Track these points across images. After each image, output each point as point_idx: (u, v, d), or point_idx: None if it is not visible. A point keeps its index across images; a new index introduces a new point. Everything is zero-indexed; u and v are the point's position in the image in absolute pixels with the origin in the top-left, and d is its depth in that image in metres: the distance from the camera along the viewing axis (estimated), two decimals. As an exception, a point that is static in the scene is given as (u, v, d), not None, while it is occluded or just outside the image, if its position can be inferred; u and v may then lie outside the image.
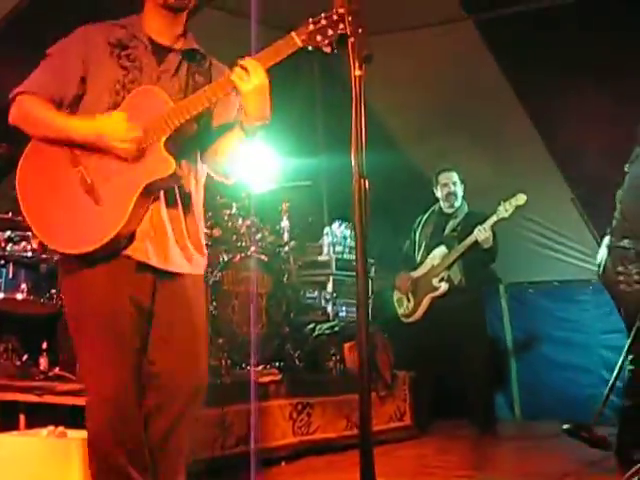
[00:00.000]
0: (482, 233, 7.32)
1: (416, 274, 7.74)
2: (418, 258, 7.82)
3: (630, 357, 5.80)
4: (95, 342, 3.14)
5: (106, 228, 3.07)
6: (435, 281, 7.60)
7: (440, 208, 7.88)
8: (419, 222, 7.99)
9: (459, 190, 7.79)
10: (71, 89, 3.24)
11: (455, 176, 7.77)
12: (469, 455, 6.80)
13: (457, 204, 7.79)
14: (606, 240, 6.02)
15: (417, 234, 7.94)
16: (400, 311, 7.83)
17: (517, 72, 7.74)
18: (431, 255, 7.70)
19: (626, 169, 5.99)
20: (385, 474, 5.48)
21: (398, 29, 7.47)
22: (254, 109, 3.12)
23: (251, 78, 3.03)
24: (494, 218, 7.31)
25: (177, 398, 3.21)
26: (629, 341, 5.79)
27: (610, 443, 5.58)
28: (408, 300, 7.76)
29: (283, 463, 5.95)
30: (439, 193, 7.83)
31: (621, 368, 5.83)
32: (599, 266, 6.06)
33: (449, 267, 7.59)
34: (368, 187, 2.55)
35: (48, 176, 3.18)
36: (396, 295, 7.87)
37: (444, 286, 7.58)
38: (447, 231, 7.77)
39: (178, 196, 3.26)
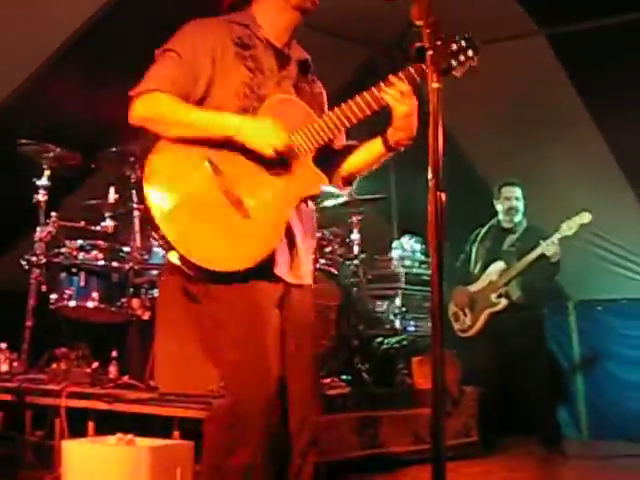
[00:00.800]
0: (551, 247, 6.95)
1: (473, 289, 7.41)
2: (475, 272, 7.50)
3: None
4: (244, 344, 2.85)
5: (261, 245, 2.84)
6: (494, 296, 7.23)
7: (499, 222, 7.57)
8: (476, 236, 7.69)
9: (520, 205, 7.45)
10: (199, 90, 2.93)
11: (518, 191, 7.44)
12: (535, 473, 6.54)
13: (517, 219, 7.46)
14: None
15: (474, 248, 7.64)
16: (457, 326, 7.48)
17: (589, 87, 7.55)
18: (488, 270, 7.37)
19: None
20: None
21: (483, 42, 7.25)
22: (408, 129, 2.99)
23: (406, 99, 2.90)
24: (557, 235, 6.95)
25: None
26: None
27: None
28: (465, 315, 7.40)
29: (350, 476, 5.64)
30: (500, 206, 7.52)
31: None
32: None
33: (508, 283, 7.24)
34: (445, 200, 2.36)
35: (186, 184, 2.83)
36: (452, 309, 7.52)
37: (503, 302, 7.22)
38: (505, 246, 7.44)
39: (303, 211, 3.08)
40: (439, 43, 2.48)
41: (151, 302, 6.00)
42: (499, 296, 7.21)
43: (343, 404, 5.92)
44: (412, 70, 2.88)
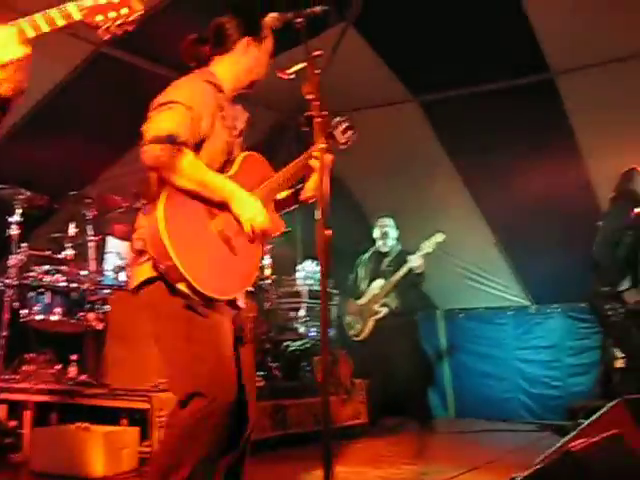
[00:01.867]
0: (416, 260, 7.43)
1: (361, 302, 7.84)
2: (362, 288, 7.89)
3: None
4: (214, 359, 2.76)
5: (245, 277, 2.93)
6: (377, 307, 7.69)
7: (378, 249, 7.96)
8: (360, 260, 8.08)
9: (392, 232, 7.89)
10: (195, 143, 2.81)
11: (390, 221, 7.89)
12: (413, 447, 6.79)
13: (390, 244, 7.89)
14: (595, 279, 6.22)
15: (360, 269, 8.02)
16: (351, 332, 7.90)
17: (451, 139, 7.85)
18: (371, 286, 7.79)
19: (600, 224, 6.21)
20: (346, 463, 5.59)
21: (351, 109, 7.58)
22: (317, 189, 2.93)
23: (327, 167, 2.94)
24: (419, 252, 7.44)
25: None
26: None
27: None
28: (357, 323, 7.82)
29: (264, 453, 5.81)
30: (376, 234, 7.93)
31: None
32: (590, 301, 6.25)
33: (387, 294, 7.69)
34: (330, 237, 2.62)
35: (191, 225, 2.75)
36: (346, 319, 7.94)
37: (384, 310, 7.68)
38: (384, 266, 7.85)
39: None
40: (325, 113, 2.74)
41: (104, 315, 6.01)
42: (381, 306, 7.67)
43: (258, 395, 6.16)
44: (327, 143, 2.98)
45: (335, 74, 6.87)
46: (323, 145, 2.74)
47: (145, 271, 2.79)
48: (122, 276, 6.24)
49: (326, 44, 6.83)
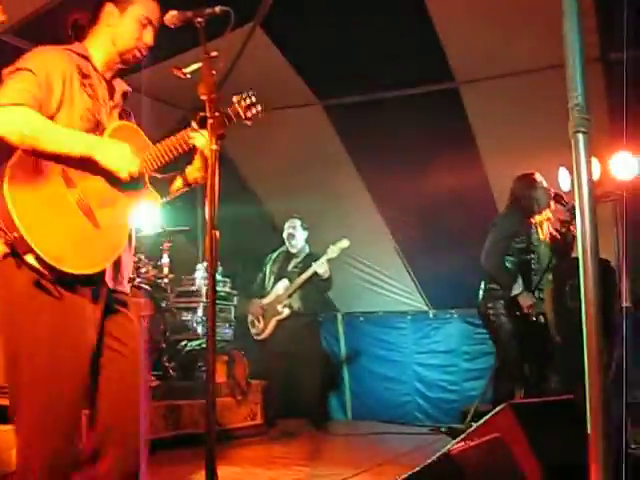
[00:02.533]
0: (322, 266, 7.51)
1: (265, 301, 7.80)
2: (267, 288, 7.88)
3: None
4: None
5: (108, 252, 2.74)
6: (279, 307, 7.69)
7: (287, 249, 7.97)
8: (269, 259, 8.07)
9: (300, 234, 7.89)
10: (50, 109, 2.70)
11: (297, 222, 7.88)
12: (307, 448, 6.86)
13: (299, 245, 7.90)
14: (482, 284, 6.31)
15: (267, 269, 8.01)
16: (253, 331, 7.86)
17: (354, 144, 7.90)
18: (277, 286, 7.79)
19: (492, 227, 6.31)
20: (238, 463, 5.59)
21: (266, 110, 7.58)
22: (203, 172, 3.01)
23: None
24: (325, 257, 7.50)
25: None
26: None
27: None
28: (259, 322, 7.79)
29: (158, 452, 5.89)
30: (285, 235, 7.93)
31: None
32: (477, 304, 6.35)
33: (290, 295, 7.70)
34: (218, 237, 2.58)
35: (44, 194, 2.62)
36: (250, 318, 7.90)
37: (286, 311, 7.68)
38: (290, 267, 7.86)
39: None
40: (217, 114, 2.68)
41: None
42: (283, 306, 7.67)
43: (153, 394, 6.03)
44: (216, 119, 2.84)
45: (243, 73, 6.96)
46: (216, 147, 2.64)
47: None
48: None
49: (234, 43, 6.85)
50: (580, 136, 2.56)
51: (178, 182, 3.14)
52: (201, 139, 2.92)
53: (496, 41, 6.39)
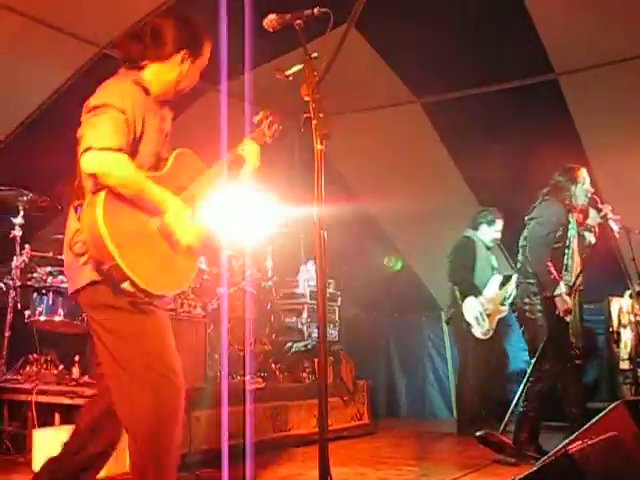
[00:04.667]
0: None
1: (487, 298, 7.33)
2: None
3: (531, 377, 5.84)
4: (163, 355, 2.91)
5: (185, 275, 3.02)
6: (500, 305, 7.29)
7: (472, 239, 7.58)
8: (459, 251, 7.60)
9: (499, 225, 7.58)
10: (130, 146, 2.86)
11: (493, 213, 7.59)
12: (416, 448, 6.79)
13: (496, 236, 7.61)
14: (514, 278, 6.19)
15: (461, 261, 7.53)
16: (478, 329, 7.30)
17: (454, 141, 7.84)
18: (491, 282, 7.38)
19: (526, 221, 6.16)
20: (346, 463, 5.60)
21: (360, 110, 7.59)
22: (251, 177, 3.31)
23: (257, 156, 3.29)
24: None
25: None
26: (533, 362, 5.87)
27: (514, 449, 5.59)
28: (483, 320, 7.27)
29: (265, 454, 5.89)
30: (481, 226, 7.57)
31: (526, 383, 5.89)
32: (511, 298, 6.23)
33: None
34: (326, 237, 2.65)
35: (130, 224, 2.80)
36: (471, 316, 7.31)
37: (506, 308, 7.29)
38: (484, 259, 7.51)
39: None
40: (322, 114, 2.76)
41: None
42: (503, 304, 7.27)
43: (260, 396, 6.13)
44: (255, 135, 3.34)
45: (339, 75, 6.98)
46: (321, 147, 2.74)
47: (87, 274, 2.84)
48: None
49: (329, 45, 6.86)
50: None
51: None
52: (249, 149, 3.28)
53: (594, 29, 6.20)
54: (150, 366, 2.85)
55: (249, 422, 5.74)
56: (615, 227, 6.06)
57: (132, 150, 2.87)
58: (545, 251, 5.89)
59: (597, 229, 6.18)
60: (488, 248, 7.51)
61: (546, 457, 3.77)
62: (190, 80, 3.18)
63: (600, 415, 3.82)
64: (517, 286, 6.18)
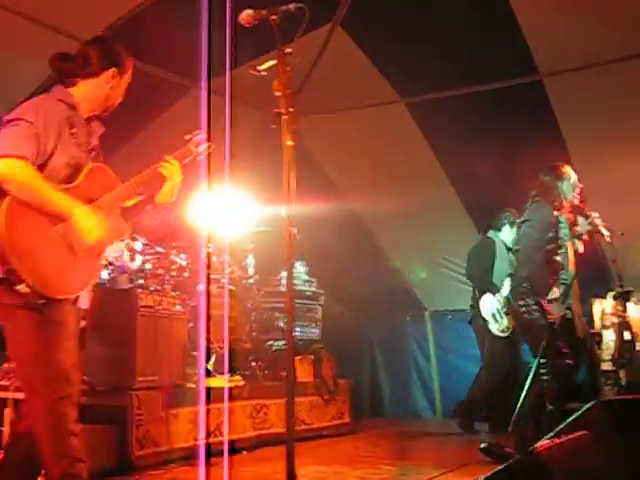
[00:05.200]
0: None
1: (503, 295, 7.21)
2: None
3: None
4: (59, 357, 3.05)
5: (85, 278, 3.18)
6: (515, 303, 6.75)
7: (491, 239, 7.60)
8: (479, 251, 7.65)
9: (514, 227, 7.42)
10: (43, 158, 3.07)
11: (511, 216, 7.51)
12: (394, 447, 6.80)
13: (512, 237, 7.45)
14: (507, 281, 6.20)
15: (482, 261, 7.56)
16: (495, 327, 7.28)
17: (438, 141, 7.82)
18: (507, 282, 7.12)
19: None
20: (324, 462, 5.60)
21: (346, 109, 7.58)
22: (171, 195, 3.44)
23: (178, 174, 3.43)
24: None
25: None
26: (537, 361, 5.89)
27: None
28: (501, 317, 7.22)
29: (244, 452, 5.99)
30: (502, 227, 7.57)
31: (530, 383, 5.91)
32: (505, 300, 6.24)
33: None
34: (296, 235, 2.72)
35: (32, 231, 3.00)
36: (488, 313, 7.31)
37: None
38: (501, 258, 7.46)
39: None
40: (292, 110, 2.81)
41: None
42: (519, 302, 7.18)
43: (240, 394, 6.19)
44: (178, 153, 3.45)
45: (325, 73, 6.97)
46: (291, 143, 2.80)
47: None
48: (103, 274, 6.20)
49: (315, 44, 6.86)
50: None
51: (142, 204, 3.51)
52: (169, 168, 3.39)
53: (579, 31, 6.21)
54: (37, 364, 3.02)
55: (226, 420, 5.77)
56: (606, 232, 6.11)
57: (43, 161, 3.07)
58: (538, 255, 5.88)
59: (586, 237, 6.20)
60: (509, 249, 7.46)
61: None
62: (118, 95, 3.43)
63: (576, 415, 3.82)
64: (511, 290, 6.19)
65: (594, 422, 3.55)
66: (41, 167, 3.06)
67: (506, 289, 7.06)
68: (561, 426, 3.82)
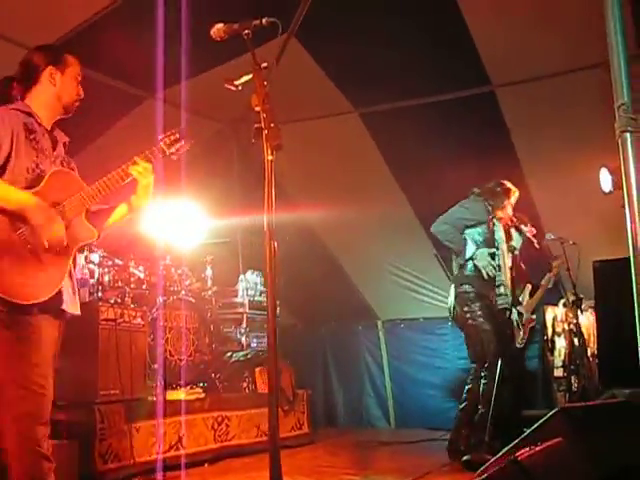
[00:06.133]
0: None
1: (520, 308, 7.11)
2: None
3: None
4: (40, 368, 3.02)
5: (52, 283, 3.10)
6: (528, 314, 7.03)
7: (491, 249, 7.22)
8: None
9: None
10: None
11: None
12: (354, 457, 6.83)
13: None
14: (452, 289, 6.32)
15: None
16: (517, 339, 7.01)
17: (391, 152, 7.88)
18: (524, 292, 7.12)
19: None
20: (287, 473, 5.58)
21: (300, 119, 7.61)
22: (147, 196, 3.46)
23: (148, 174, 3.39)
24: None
25: None
26: (474, 366, 6.16)
27: None
28: (519, 329, 6.94)
29: (206, 465, 5.98)
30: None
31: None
32: (450, 310, 6.36)
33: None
34: (277, 247, 2.65)
35: None
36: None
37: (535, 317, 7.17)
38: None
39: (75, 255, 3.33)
40: (273, 124, 2.75)
41: None
42: (532, 313, 7.11)
43: (201, 406, 6.18)
44: (148, 153, 3.40)
45: (279, 84, 6.98)
46: (271, 158, 2.76)
47: None
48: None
49: (269, 54, 6.87)
50: (627, 135, 2.59)
51: (123, 209, 3.53)
52: (139, 170, 3.36)
53: (531, 42, 6.35)
54: (14, 381, 2.99)
55: (185, 434, 5.76)
56: (534, 240, 6.45)
57: (0, 164, 3.07)
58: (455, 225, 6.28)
59: (517, 252, 6.46)
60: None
61: (489, 463, 3.85)
62: (70, 91, 3.38)
63: (540, 422, 3.91)
64: (455, 297, 6.28)
65: (559, 429, 3.64)
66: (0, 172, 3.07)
67: (524, 298, 7.11)
68: (526, 433, 3.91)
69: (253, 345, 7.66)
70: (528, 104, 6.92)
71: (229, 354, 7.36)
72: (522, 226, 6.45)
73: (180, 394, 6.10)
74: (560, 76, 6.62)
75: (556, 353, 7.82)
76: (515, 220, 6.44)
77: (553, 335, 7.82)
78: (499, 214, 6.40)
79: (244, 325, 7.66)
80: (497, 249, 6.25)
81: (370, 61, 6.78)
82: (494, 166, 7.07)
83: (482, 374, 6.07)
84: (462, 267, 6.28)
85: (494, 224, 6.30)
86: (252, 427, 6.64)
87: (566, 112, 6.82)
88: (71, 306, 3.23)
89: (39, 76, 3.33)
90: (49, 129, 3.36)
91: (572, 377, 7.44)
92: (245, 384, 7.17)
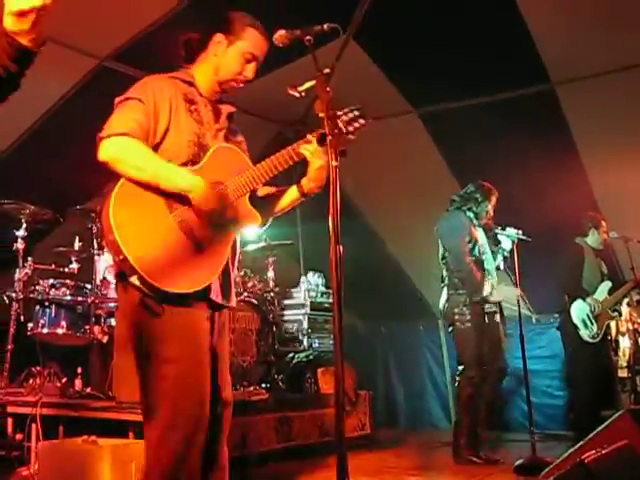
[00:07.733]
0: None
1: (597, 301, 7.12)
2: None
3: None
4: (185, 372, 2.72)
5: (209, 271, 2.80)
6: (609, 310, 7.10)
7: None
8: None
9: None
10: (157, 136, 2.85)
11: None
12: (418, 457, 6.82)
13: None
14: (444, 290, 6.34)
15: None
16: (586, 332, 7.05)
17: (452, 152, 7.87)
18: (601, 287, 7.19)
19: (435, 232, 6.53)
20: (350, 474, 5.58)
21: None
22: (319, 180, 3.04)
23: (322, 155, 2.97)
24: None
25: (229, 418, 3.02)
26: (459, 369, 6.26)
27: None
28: (592, 324, 7.05)
29: (269, 464, 5.97)
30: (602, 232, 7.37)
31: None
32: (441, 310, 6.42)
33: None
34: (343, 252, 2.55)
35: (147, 218, 2.74)
36: (579, 318, 7.12)
37: (616, 314, 7.22)
38: (604, 269, 7.41)
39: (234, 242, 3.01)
40: (336, 131, 2.68)
41: (109, 328, 6.11)
42: (613, 310, 7.16)
43: (264, 407, 6.17)
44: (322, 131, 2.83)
45: (337, 86, 6.99)
46: (336, 164, 2.60)
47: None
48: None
49: (328, 57, 6.91)
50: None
51: (294, 193, 3.16)
52: (311, 150, 2.97)
53: (591, 38, 6.26)
54: (166, 377, 2.70)
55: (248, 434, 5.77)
56: (526, 238, 6.43)
57: (159, 140, 2.86)
58: (464, 257, 6.25)
59: (507, 254, 6.52)
60: (597, 255, 7.43)
61: (554, 465, 3.81)
62: (230, 67, 3.06)
63: (606, 424, 3.86)
64: (447, 299, 6.37)
65: (626, 431, 3.59)
66: (157, 147, 2.84)
67: (599, 294, 7.10)
68: (591, 435, 3.86)
69: (315, 346, 7.68)
70: (589, 101, 6.81)
71: (291, 355, 7.42)
72: (508, 228, 6.45)
73: (244, 394, 6.14)
74: (621, 72, 6.52)
75: (620, 353, 7.67)
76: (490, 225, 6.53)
77: (617, 335, 7.67)
78: (484, 220, 6.51)
79: (306, 326, 7.68)
80: (484, 254, 6.39)
81: (429, 61, 6.78)
82: (556, 163, 7.00)
83: (458, 379, 6.26)
84: (453, 272, 6.35)
85: (477, 231, 6.42)
86: (314, 427, 6.63)
87: (629, 108, 6.71)
88: (225, 296, 2.95)
89: (207, 42, 3.07)
90: (215, 100, 3.10)
91: (637, 378, 7.31)
92: (308, 384, 7.18)
